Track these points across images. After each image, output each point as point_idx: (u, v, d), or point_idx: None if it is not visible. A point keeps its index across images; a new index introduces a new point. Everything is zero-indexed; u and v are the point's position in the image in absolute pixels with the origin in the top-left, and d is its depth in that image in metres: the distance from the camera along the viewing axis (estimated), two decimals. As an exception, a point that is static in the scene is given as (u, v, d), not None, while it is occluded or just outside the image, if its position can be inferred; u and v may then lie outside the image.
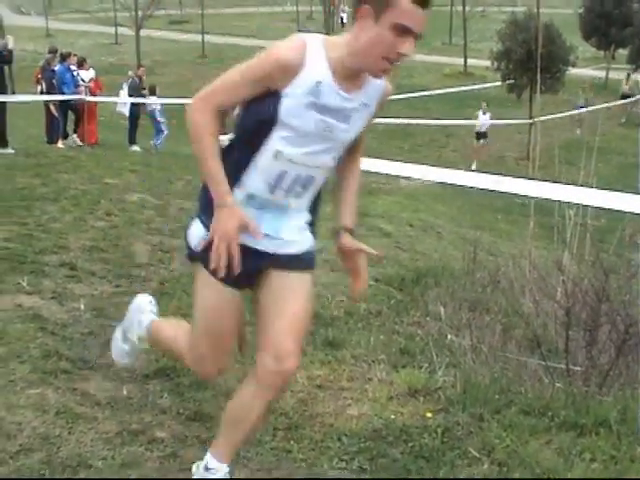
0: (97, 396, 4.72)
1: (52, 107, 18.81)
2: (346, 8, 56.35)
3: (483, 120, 27.84)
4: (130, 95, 21.51)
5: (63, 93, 18.76)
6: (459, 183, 4.16)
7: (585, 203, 4.13)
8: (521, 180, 4.17)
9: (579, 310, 6.28)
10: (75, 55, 20.09)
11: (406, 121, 23.21)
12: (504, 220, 15.86)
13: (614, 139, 31.39)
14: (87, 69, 20.22)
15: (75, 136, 19.51)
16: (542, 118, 20.32)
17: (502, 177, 4.24)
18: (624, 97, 31.55)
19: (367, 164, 4.97)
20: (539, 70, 13.31)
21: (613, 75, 42.42)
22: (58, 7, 72.76)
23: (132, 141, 21.40)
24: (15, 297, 6.30)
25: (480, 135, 28.56)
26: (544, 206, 8.59)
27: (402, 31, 2.96)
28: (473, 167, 23.72)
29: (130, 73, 22.95)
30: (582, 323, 6.25)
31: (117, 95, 23.46)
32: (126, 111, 21.54)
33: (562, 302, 6.33)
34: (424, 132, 31.83)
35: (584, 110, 28.89)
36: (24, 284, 6.62)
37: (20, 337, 5.43)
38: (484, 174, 4.36)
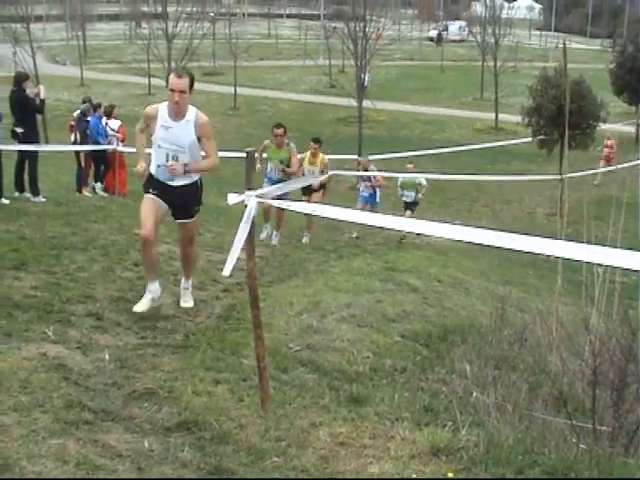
0: (118, 448, 4.71)
1: (81, 156, 18.95)
2: (368, 74, 55.21)
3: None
4: None
5: (99, 143, 18.88)
6: (481, 242, 4.12)
7: (614, 265, 4.06)
8: (548, 240, 4.14)
9: (606, 369, 6.21)
10: (100, 105, 19.86)
11: (436, 177, 23.04)
12: (534, 275, 15.76)
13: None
14: (115, 117, 20.18)
15: (99, 185, 19.47)
16: (571, 175, 20.27)
17: (529, 237, 4.20)
18: None
19: (394, 223, 4.97)
20: (567, 126, 13.34)
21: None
22: (93, 57, 73.74)
23: None
24: (40, 346, 6.33)
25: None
26: (572, 262, 8.55)
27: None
28: None
29: None
30: (609, 382, 6.17)
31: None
32: None
33: (589, 361, 6.27)
34: (455, 186, 31.69)
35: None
36: (50, 333, 6.65)
37: (44, 386, 5.45)
38: (508, 233, 4.32)
